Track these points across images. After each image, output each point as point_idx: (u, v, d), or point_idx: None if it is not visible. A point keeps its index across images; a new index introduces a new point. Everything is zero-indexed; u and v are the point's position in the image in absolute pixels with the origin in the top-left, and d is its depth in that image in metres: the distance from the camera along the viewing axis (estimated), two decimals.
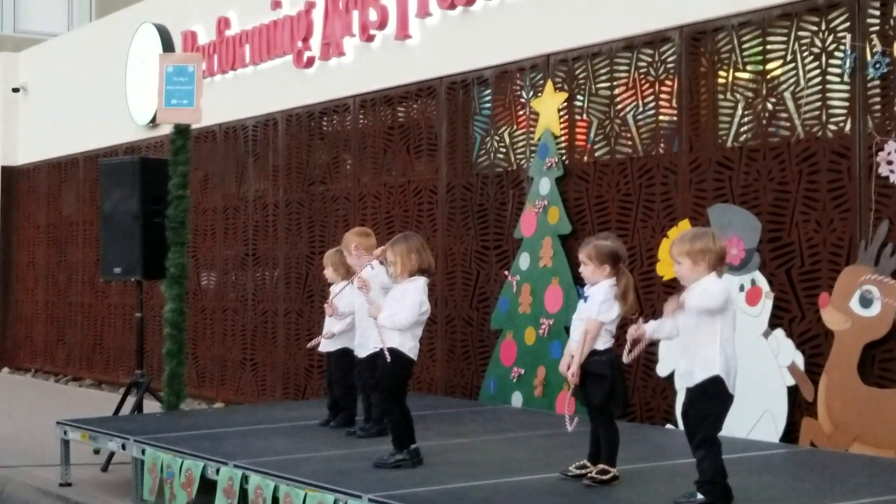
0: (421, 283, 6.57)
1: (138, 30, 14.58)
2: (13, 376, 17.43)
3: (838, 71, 7.16)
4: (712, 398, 5.28)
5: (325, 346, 8.09)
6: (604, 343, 5.82)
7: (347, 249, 7.71)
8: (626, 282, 5.84)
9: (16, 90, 18.04)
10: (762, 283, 7.44)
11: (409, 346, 6.55)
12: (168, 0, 14.62)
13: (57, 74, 17.17)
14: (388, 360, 6.43)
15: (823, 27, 7.27)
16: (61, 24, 23.85)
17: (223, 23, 13.00)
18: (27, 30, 23.44)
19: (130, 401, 10.02)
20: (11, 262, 18.34)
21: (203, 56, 12.73)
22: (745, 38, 7.75)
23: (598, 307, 5.80)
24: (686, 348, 5.39)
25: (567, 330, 8.43)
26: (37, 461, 9.24)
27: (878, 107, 6.99)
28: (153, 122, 14.16)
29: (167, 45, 13.94)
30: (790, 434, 7.25)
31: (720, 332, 5.28)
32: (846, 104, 7.14)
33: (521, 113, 9.42)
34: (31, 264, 17.83)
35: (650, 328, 5.48)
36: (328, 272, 8.15)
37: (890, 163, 6.83)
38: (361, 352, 7.46)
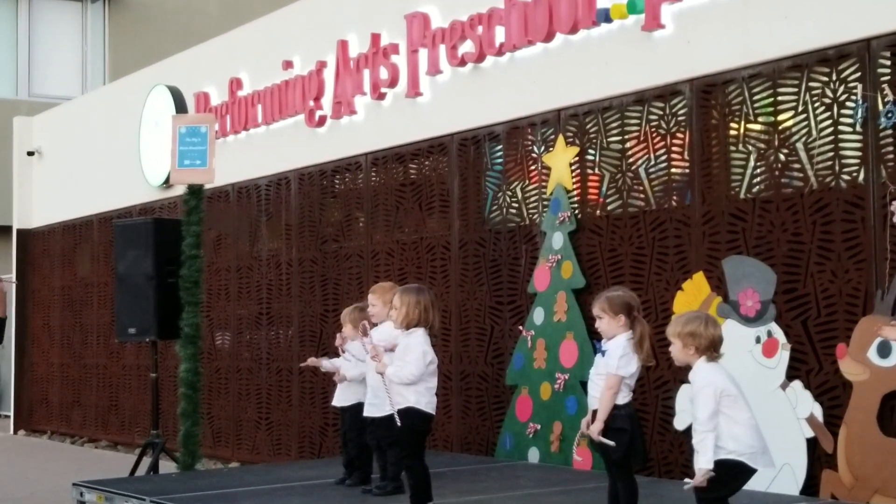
0: (420, 333, 6.59)
1: (151, 92, 14.69)
2: (29, 438, 17.40)
3: (850, 121, 7.17)
4: (726, 468, 5.32)
5: (340, 401, 8.07)
6: (623, 397, 5.81)
7: (383, 300, 7.61)
8: (641, 330, 5.86)
9: (30, 153, 18.16)
10: (778, 334, 7.41)
11: (426, 400, 6.56)
12: (180, 62, 14.75)
13: (71, 137, 17.29)
14: (399, 424, 6.43)
15: (834, 77, 7.29)
16: (75, 88, 24.07)
17: (235, 84, 13.09)
18: (41, 94, 23.66)
19: (146, 461, 9.98)
20: (27, 324, 18.37)
21: (216, 117, 12.82)
22: (755, 90, 7.77)
23: (618, 362, 5.79)
24: None
25: (583, 385, 8.40)
26: None
27: (890, 156, 6.99)
28: (167, 183, 14.23)
29: (180, 107, 14.04)
30: (810, 487, 7.18)
31: (730, 411, 5.35)
32: (859, 154, 7.14)
33: (532, 168, 9.44)
34: (46, 326, 17.86)
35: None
36: (347, 329, 8.12)
37: None
38: (374, 411, 7.41)
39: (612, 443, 5.74)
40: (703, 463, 5.36)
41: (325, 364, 8.24)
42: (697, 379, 5.42)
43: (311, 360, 8.47)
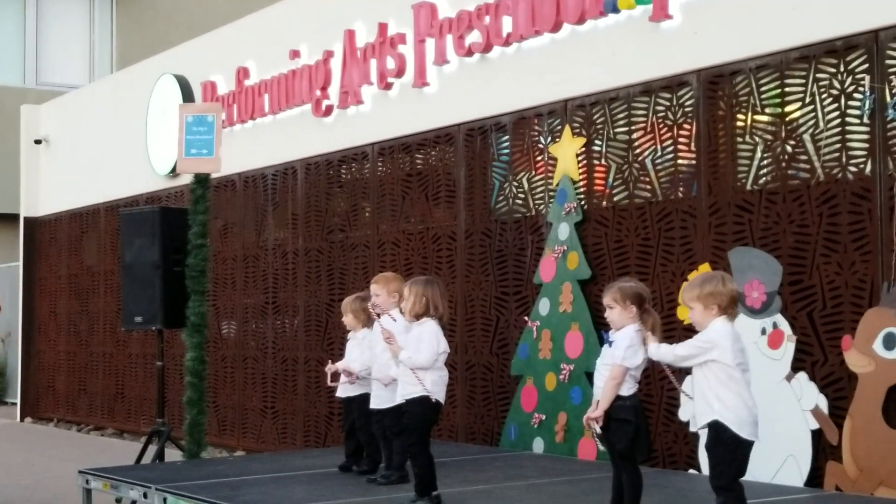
0: (432, 324, 6.59)
1: (158, 81, 14.70)
2: (35, 426, 17.44)
3: (857, 112, 7.16)
4: (722, 444, 5.28)
5: (345, 392, 8.08)
6: (628, 388, 5.80)
7: (387, 290, 7.59)
8: (653, 321, 5.86)
9: (38, 142, 18.19)
10: (784, 326, 7.40)
11: (438, 389, 6.60)
12: (187, 51, 14.76)
13: (78, 126, 17.31)
14: (434, 400, 6.48)
15: (842, 69, 7.27)
16: (82, 77, 24.08)
17: (242, 73, 13.10)
18: (49, 82, 23.67)
19: (152, 449, 10.01)
20: (33, 311, 18.41)
21: (222, 106, 12.82)
22: (763, 81, 7.76)
23: (624, 352, 5.78)
24: (694, 392, 5.45)
25: (588, 375, 8.41)
26: None
27: None
28: (173, 172, 14.25)
29: (187, 96, 14.05)
30: (815, 478, 7.18)
31: (716, 378, 5.30)
32: (866, 146, 7.13)
33: (539, 158, 9.44)
34: (52, 314, 17.90)
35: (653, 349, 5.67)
36: (347, 319, 8.13)
37: None
38: (379, 403, 7.47)
39: (598, 430, 5.79)
40: (654, 349, 5.62)
41: (340, 367, 8.16)
42: (708, 331, 5.40)
43: (329, 368, 8.33)
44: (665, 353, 5.61)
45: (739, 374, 5.33)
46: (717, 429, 5.29)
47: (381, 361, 7.46)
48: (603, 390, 5.81)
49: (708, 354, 5.33)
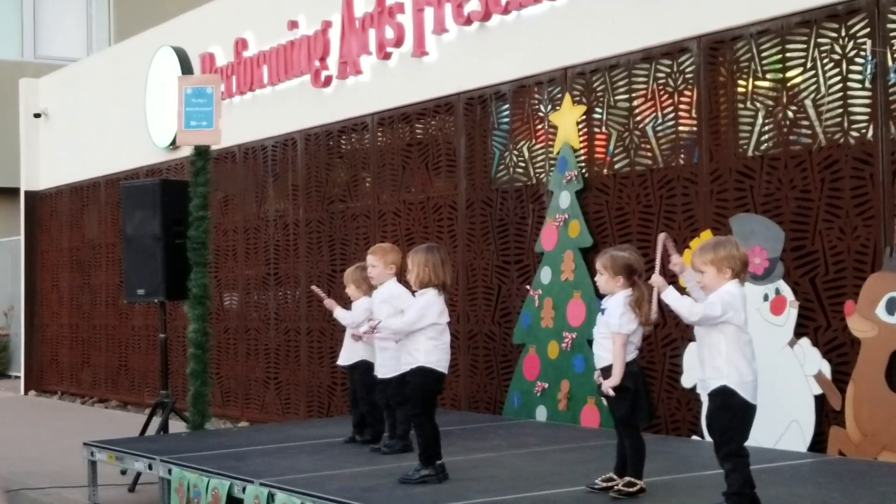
0: (429, 295, 6.55)
1: (157, 53, 14.66)
2: (40, 399, 17.50)
3: (859, 77, 7.13)
4: (731, 410, 5.25)
5: (345, 360, 8.11)
6: (628, 355, 5.79)
7: (384, 261, 7.59)
8: (638, 295, 5.79)
9: (37, 115, 18.16)
10: (786, 292, 7.40)
11: (436, 359, 6.53)
12: (186, 23, 14.70)
13: (77, 99, 17.27)
14: (434, 370, 6.49)
15: (843, 33, 7.24)
16: (81, 50, 24.01)
17: (241, 44, 13.05)
18: (47, 55, 23.60)
19: (156, 421, 10.04)
20: (36, 285, 18.43)
21: (221, 77, 12.78)
22: (764, 47, 7.73)
23: (619, 320, 5.76)
24: (700, 357, 5.40)
25: (590, 343, 8.42)
26: (64, 483, 9.26)
27: None
28: (173, 145, 14.23)
29: (186, 68, 14.01)
30: (818, 443, 7.20)
31: (728, 341, 5.26)
32: (868, 110, 7.10)
33: (539, 127, 9.42)
34: (55, 287, 17.91)
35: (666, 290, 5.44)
36: (350, 290, 8.14)
37: None
38: (383, 372, 7.49)
39: (611, 392, 5.73)
40: (672, 297, 5.35)
41: (328, 302, 8.16)
42: (722, 292, 5.31)
43: (319, 292, 8.31)
44: (682, 303, 5.34)
45: (748, 337, 5.31)
46: (725, 394, 5.25)
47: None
48: (613, 360, 5.78)
49: (727, 315, 5.26)
